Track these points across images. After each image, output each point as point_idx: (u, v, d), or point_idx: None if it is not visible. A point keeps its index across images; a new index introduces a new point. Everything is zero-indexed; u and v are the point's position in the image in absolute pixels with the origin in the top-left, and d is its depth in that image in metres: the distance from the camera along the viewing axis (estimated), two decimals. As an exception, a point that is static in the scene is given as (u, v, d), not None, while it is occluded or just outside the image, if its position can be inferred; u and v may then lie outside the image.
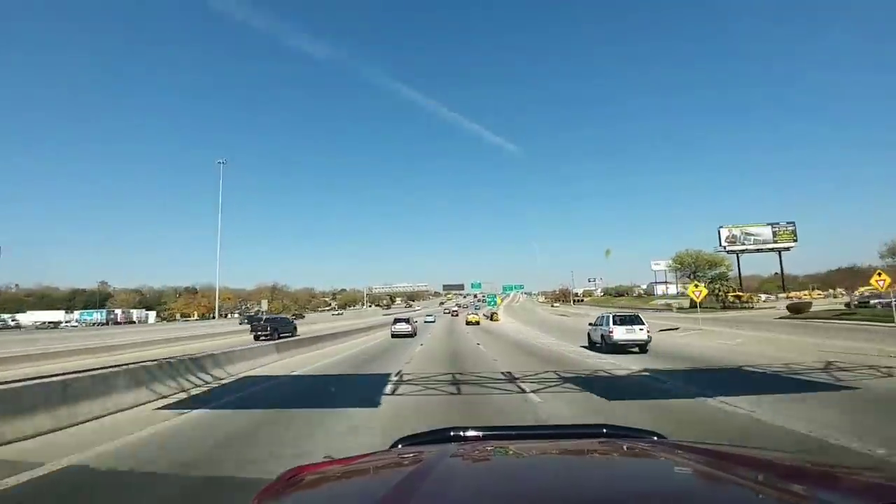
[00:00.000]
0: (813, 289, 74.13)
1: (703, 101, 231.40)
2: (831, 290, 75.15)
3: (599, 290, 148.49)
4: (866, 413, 7.38)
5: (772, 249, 68.99)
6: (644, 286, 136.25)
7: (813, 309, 36.63)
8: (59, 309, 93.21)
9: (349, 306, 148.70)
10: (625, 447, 1.66)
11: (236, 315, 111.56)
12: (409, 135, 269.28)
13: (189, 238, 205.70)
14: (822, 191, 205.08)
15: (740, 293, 60.01)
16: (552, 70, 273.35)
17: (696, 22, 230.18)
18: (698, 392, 9.20)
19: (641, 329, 17.45)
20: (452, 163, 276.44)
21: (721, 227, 69.14)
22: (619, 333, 17.29)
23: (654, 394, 9.71)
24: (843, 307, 37.93)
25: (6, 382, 8.19)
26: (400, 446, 1.94)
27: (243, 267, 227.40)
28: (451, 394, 10.08)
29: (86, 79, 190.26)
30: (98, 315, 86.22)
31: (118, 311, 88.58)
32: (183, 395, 10.08)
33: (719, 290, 62.14)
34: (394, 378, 12.55)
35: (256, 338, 30.71)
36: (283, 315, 53.15)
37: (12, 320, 78.76)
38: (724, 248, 68.48)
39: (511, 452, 1.69)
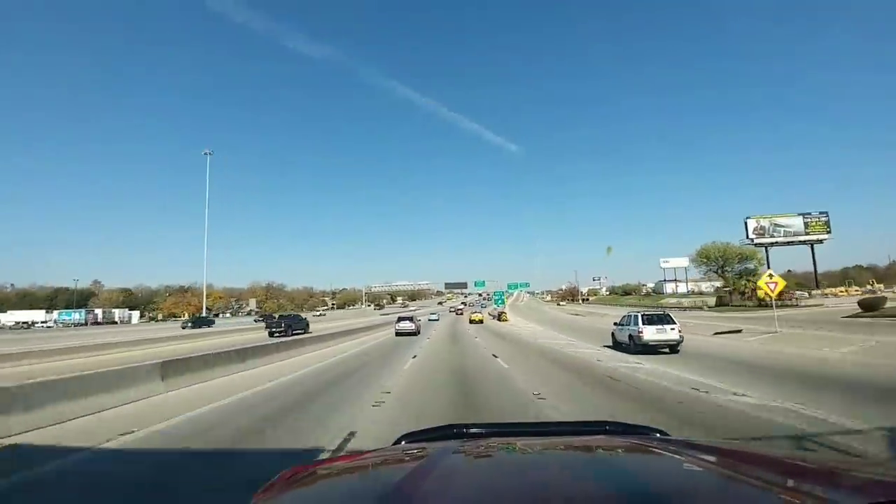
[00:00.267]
0: (872, 283, 67.90)
1: (703, 100, 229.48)
2: (870, 286, 69.31)
3: (604, 288, 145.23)
4: None
5: (803, 242, 63.26)
6: (651, 284, 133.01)
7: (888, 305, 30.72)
8: (41, 308, 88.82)
9: (348, 305, 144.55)
10: (628, 444, 1.67)
11: (227, 315, 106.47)
12: (406, 134, 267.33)
13: (188, 238, 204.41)
14: (823, 191, 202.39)
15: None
16: (549, 69, 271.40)
17: (695, 22, 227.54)
18: None
19: (672, 329, 16.62)
20: (451, 162, 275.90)
21: (748, 217, 63.39)
22: (650, 333, 16.52)
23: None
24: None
25: None
26: (403, 443, 1.91)
27: (245, 267, 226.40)
28: None
29: (85, 79, 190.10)
30: (77, 315, 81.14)
31: (98, 311, 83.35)
32: None
33: (745, 287, 56.82)
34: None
35: (271, 334, 31.83)
36: (295, 313, 53.85)
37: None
38: (752, 240, 62.61)
39: (514, 449, 1.71)
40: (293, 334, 30.08)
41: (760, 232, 62.79)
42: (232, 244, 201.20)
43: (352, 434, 6.73)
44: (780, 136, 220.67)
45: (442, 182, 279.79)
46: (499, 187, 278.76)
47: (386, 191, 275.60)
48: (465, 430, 1.93)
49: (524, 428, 2.49)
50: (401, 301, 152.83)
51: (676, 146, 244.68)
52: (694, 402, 8.58)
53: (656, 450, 1.54)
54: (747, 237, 63.08)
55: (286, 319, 36.57)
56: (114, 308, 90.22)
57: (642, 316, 17.36)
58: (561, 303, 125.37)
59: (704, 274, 64.07)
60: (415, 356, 18.45)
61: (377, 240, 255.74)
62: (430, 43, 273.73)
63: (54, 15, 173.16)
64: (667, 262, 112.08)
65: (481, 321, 51.24)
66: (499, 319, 56.10)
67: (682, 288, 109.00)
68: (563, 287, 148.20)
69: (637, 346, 16.73)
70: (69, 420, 7.54)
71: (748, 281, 59.12)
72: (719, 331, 23.79)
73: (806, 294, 61.15)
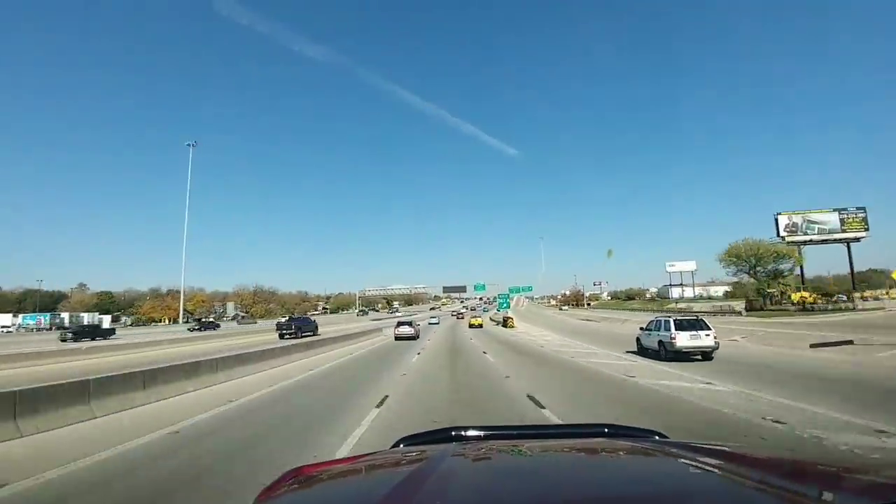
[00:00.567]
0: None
1: (703, 100, 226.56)
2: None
3: (605, 293, 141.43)
4: None
5: (839, 240, 57.25)
6: (654, 289, 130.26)
7: None
8: (8, 312, 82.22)
9: (342, 310, 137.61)
10: (627, 446, 1.66)
11: (211, 318, 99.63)
12: (405, 136, 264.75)
13: (184, 241, 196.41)
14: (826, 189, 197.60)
15: (820, 292, 48.75)
16: (549, 71, 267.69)
17: (695, 22, 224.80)
18: None
19: (707, 335, 16.08)
20: (450, 165, 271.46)
21: (779, 213, 57.43)
22: (683, 340, 16.05)
23: None
24: None
25: None
26: (402, 446, 1.91)
27: (243, 272, 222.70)
28: None
29: (86, 79, 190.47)
30: (42, 319, 74.65)
31: (65, 315, 76.78)
32: None
33: (784, 289, 50.99)
34: None
35: (281, 336, 32.76)
36: (305, 316, 56.51)
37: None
38: (783, 238, 56.58)
39: (513, 452, 1.69)
40: (303, 336, 31.56)
41: (793, 229, 56.75)
42: (235, 246, 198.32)
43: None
44: (780, 137, 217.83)
45: (441, 185, 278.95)
46: (497, 190, 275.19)
47: (384, 194, 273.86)
48: (463, 432, 1.93)
49: (523, 431, 2.45)
50: (396, 305, 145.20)
51: (677, 148, 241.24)
52: None
53: (656, 452, 1.53)
54: (777, 234, 57.05)
55: (296, 321, 39.12)
56: (83, 312, 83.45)
57: (675, 321, 16.90)
58: (563, 308, 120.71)
59: (734, 274, 57.87)
60: (404, 374, 12.51)
61: (374, 243, 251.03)
62: (430, 45, 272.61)
63: (55, 15, 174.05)
64: (672, 265, 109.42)
65: (480, 325, 50.14)
66: (504, 325, 50.13)
67: (688, 292, 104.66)
68: (567, 292, 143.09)
69: (669, 353, 16.25)
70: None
71: (779, 282, 53.38)
72: (816, 342, 17.59)
73: (843, 296, 55.42)
